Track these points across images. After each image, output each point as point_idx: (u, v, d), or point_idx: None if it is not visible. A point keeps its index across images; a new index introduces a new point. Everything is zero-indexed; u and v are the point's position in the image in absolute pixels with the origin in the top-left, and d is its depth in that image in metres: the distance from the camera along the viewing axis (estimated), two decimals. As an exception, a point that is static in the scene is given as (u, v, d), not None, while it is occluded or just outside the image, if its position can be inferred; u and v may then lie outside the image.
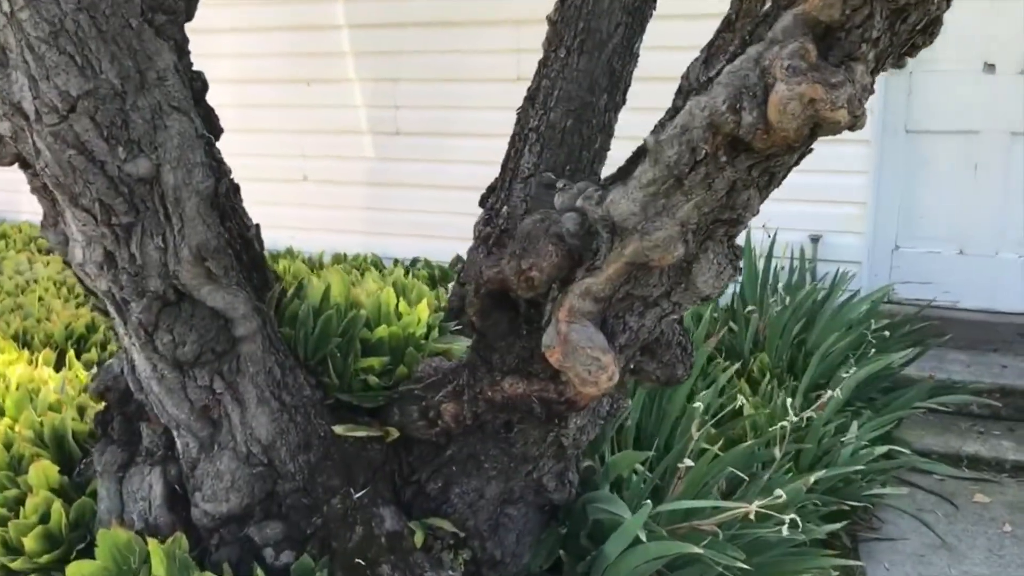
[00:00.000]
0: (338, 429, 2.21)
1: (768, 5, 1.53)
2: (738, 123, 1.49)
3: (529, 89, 2.77)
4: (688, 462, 2.26)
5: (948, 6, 1.56)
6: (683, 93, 1.67)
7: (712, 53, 1.63)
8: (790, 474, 2.55)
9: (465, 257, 4.69)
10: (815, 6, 1.45)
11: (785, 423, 2.41)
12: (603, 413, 2.20)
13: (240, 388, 2.06)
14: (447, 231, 5.07)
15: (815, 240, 4.29)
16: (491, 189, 2.83)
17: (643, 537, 2.08)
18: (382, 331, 2.35)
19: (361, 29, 4.86)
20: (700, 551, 2.01)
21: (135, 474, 2.23)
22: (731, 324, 3.73)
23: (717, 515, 2.21)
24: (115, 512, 2.21)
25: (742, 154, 1.58)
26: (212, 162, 1.89)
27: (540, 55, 4.64)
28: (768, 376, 3.29)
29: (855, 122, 1.49)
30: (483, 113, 4.80)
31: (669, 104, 1.68)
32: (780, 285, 3.84)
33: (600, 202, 1.70)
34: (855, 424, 3.13)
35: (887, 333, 3.58)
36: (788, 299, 3.67)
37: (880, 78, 4.63)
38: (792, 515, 2.13)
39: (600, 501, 2.33)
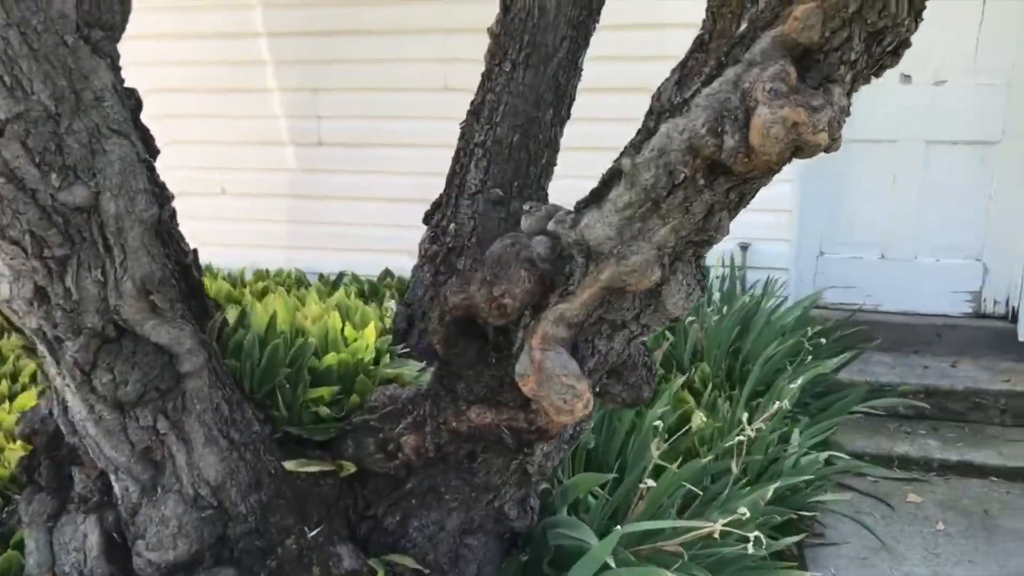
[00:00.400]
0: (289, 465, 2.09)
1: (744, 26, 1.51)
2: (719, 147, 1.47)
3: (473, 103, 2.70)
4: (650, 482, 2.23)
5: (916, 28, 1.57)
6: (655, 114, 1.63)
7: (685, 74, 1.60)
8: (746, 488, 2.56)
9: (397, 272, 4.59)
10: (794, 28, 1.43)
11: (742, 437, 2.41)
12: (567, 437, 2.16)
13: (186, 427, 1.93)
14: (374, 244, 4.96)
15: (744, 248, 4.35)
16: (436, 205, 2.76)
17: (612, 563, 2.04)
18: (331, 359, 2.25)
19: (281, 37, 4.70)
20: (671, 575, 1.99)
21: (67, 523, 2.06)
22: (667, 335, 3.74)
23: (681, 535, 2.19)
24: (46, 565, 2.05)
25: (720, 177, 1.55)
26: (155, 188, 1.76)
27: (468, 65, 4.59)
28: (710, 386, 3.31)
29: (832, 144, 1.49)
30: (410, 123, 4.71)
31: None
32: (715, 294, 3.88)
33: (574, 226, 1.65)
34: (796, 432, 3.17)
35: (823, 340, 3.66)
36: (725, 308, 3.70)
37: None
38: (756, 532, 2.12)
39: (561, 526, 2.28)
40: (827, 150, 1.51)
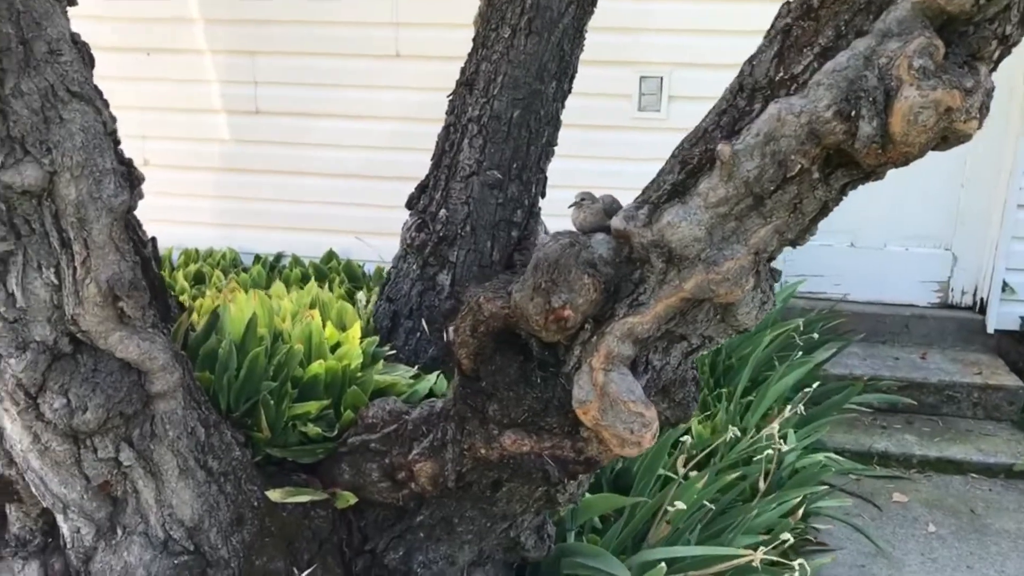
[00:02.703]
0: (274, 495, 1.77)
1: (872, -11, 1.26)
2: (850, 133, 1.21)
3: (464, 73, 2.39)
4: (679, 504, 2.00)
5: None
6: (747, 91, 1.37)
7: (788, 45, 1.33)
8: (753, 498, 2.35)
9: (342, 255, 4.23)
10: (942, -7, 1.19)
11: (770, 451, 2.20)
12: (597, 459, 1.89)
13: (155, 458, 1.58)
14: (316, 223, 4.57)
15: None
16: (421, 188, 2.44)
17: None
18: (316, 368, 1.93)
19: (215, -8, 4.25)
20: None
21: (2, 570, 1.69)
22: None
23: (718, 564, 1.96)
24: (-26, 624, 1.68)
25: (839, 170, 1.31)
26: (123, 168, 1.40)
27: (423, 31, 4.25)
28: (702, 386, 3.10)
29: (972, 135, 1.25)
30: (357, 92, 4.33)
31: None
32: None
33: (649, 224, 1.38)
34: (791, 432, 3.00)
35: (815, 335, 3.50)
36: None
37: None
38: (800, 560, 1.92)
39: (580, 555, 2.03)
40: (963, 142, 1.28)
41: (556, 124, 2.43)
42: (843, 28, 1.27)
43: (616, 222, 1.42)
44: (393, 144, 4.38)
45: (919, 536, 3.17)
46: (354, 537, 1.87)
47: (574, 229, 1.51)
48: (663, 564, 1.82)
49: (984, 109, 1.22)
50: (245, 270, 4.18)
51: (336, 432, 1.88)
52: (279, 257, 4.59)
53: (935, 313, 4.32)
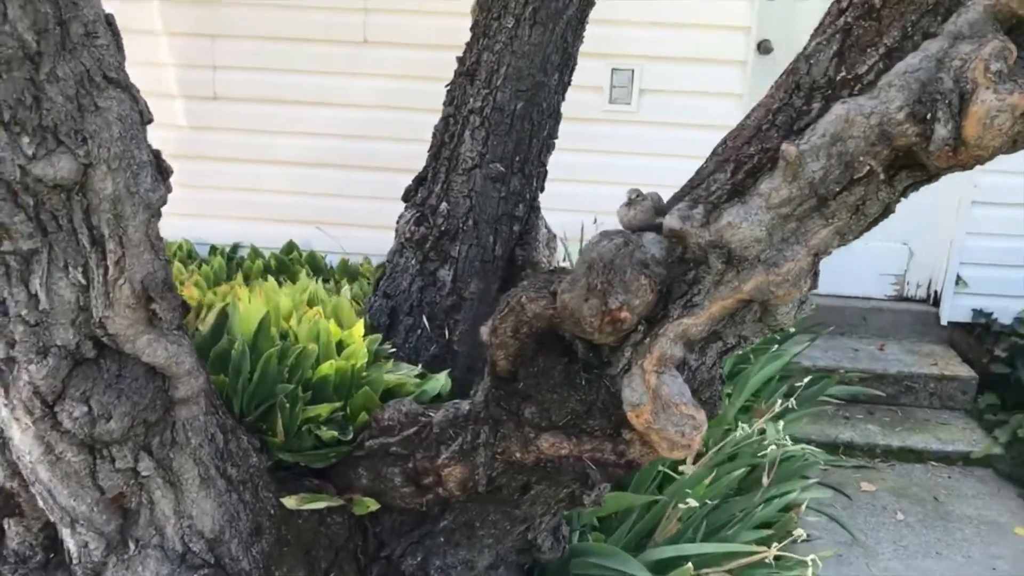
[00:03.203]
0: (290, 502, 1.70)
1: (939, -10, 1.25)
2: (924, 136, 1.21)
3: (465, 63, 2.32)
4: (691, 501, 1.99)
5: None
6: (804, 91, 1.35)
7: (850, 45, 1.32)
8: (774, 499, 2.37)
9: (303, 246, 4.10)
10: (1015, -3, 1.19)
11: (773, 446, 2.21)
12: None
13: (175, 467, 1.50)
14: (277, 213, 4.44)
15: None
16: (419, 181, 2.37)
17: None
18: (327, 368, 1.86)
19: (171, -28, 4.07)
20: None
21: (0, 589, 1.59)
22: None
23: (731, 560, 1.96)
24: (-29, 646, 1.57)
25: (903, 171, 1.30)
26: (157, 161, 1.31)
27: (393, 17, 4.15)
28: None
29: (1032, 141, 1.26)
30: (322, 79, 4.20)
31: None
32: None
33: (706, 223, 1.36)
34: (771, 427, 3.03)
35: (792, 329, 3.54)
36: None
37: (743, 67, 4.47)
38: (813, 556, 1.93)
39: (594, 555, 2.00)
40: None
41: (557, 117, 2.39)
42: (909, 29, 1.27)
43: (671, 221, 1.39)
44: (360, 132, 4.28)
45: (889, 524, 3.25)
46: (369, 544, 1.81)
47: (621, 227, 1.48)
48: (690, 564, 1.80)
49: (1052, 114, 1.23)
50: (206, 262, 4.03)
51: (351, 436, 1.81)
52: (235, 248, 4.45)
53: (892, 306, 4.44)
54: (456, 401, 1.76)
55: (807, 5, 4.04)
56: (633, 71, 3.99)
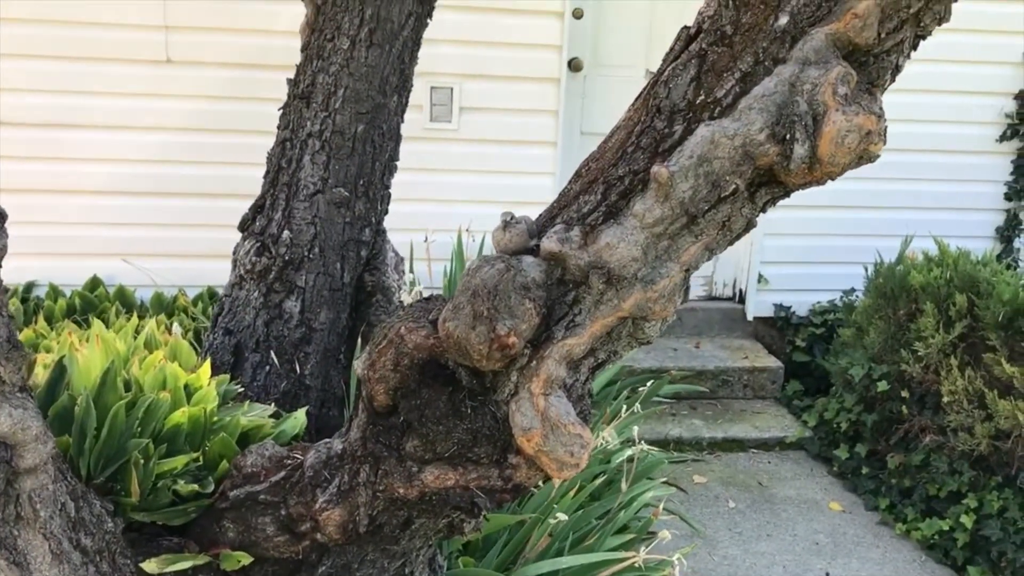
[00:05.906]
0: (150, 566, 1.57)
1: (784, 20, 1.34)
2: (784, 155, 1.29)
3: (298, 84, 2.25)
4: (561, 516, 2.02)
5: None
6: (666, 114, 1.41)
7: (706, 69, 1.39)
8: (632, 502, 2.44)
9: (108, 281, 3.81)
10: (852, 27, 1.30)
11: (631, 452, 2.28)
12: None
13: (20, 545, 1.34)
14: (77, 247, 4.11)
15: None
16: (256, 208, 2.26)
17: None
18: (178, 417, 1.74)
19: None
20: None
21: None
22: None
23: (602, 570, 2.01)
24: None
25: (762, 188, 1.38)
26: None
27: (197, 35, 3.94)
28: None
29: (879, 155, 1.38)
30: (120, 101, 3.92)
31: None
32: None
33: (584, 245, 1.38)
34: (608, 429, 3.14)
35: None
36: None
37: (557, 84, 4.63)
38: (678, 555, 2.02)
39: (469, 580, 1.98)
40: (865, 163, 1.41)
41: (398, 138, 2.37)
42: (760, 55, 1.35)
43: (549, 244, 1.40)
44: (164, 157, 4.04)
45: (723, 513, 3.45)
46: (239, 599, 1.70)
47: (496, 252, 1.47)
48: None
49: (885, 134, 1.35)
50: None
51: (212, 488, 1.69)
52: (30, 287, 4.07)
53: (703, 305, 4.73)
54: (327, 440, 1.69)
55: (610, 24, 4.23)
56: (452, 89, 4.01)
